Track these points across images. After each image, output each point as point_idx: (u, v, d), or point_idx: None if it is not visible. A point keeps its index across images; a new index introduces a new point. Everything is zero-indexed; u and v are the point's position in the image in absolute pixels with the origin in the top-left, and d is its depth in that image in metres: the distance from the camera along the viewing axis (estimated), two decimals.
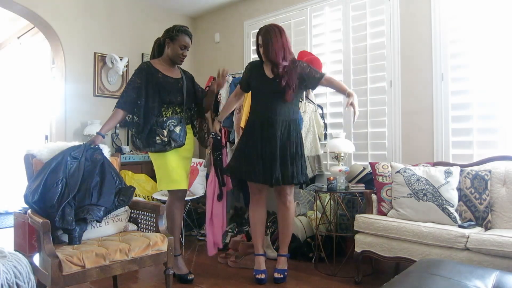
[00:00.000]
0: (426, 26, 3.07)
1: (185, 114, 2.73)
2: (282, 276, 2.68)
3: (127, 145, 4.29)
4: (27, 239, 3.24)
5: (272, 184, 2.65)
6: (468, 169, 2.54)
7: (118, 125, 3.21)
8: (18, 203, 4.03)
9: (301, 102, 3.51)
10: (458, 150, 2.91)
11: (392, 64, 3.24)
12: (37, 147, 2.22)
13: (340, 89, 2.69)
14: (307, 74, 2.65)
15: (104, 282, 2.60)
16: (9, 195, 5.49)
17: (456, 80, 2.95)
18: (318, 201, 3.13)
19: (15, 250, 3.25)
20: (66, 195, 2.01)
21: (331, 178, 2.89)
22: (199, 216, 4.16)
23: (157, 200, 3.62)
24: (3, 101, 5.92)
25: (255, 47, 2.75)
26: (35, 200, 1.97)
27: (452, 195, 2.41)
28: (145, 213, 2.36)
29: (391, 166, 2.72)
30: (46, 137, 5.00)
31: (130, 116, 2.62)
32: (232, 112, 3.72)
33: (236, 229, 3.67)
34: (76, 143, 2.30)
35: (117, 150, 4.02)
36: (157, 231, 2.24)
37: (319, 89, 3.68)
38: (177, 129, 2.59)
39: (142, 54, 4.51)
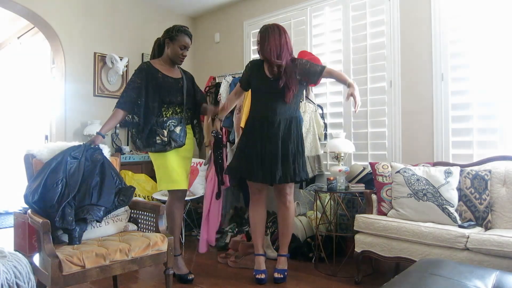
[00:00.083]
0: (426, 26, 3.07)
1: (185, 114, 2.73)
2: (282, 276, 2.68)
3: (127, 145, 4.30)
4: (27, 239, 3.24)
5: (272, 183, 2.65)
6: (468, 169, 2.54)
7: (118, 125, 3.20)
8: (18, 203, 4.03)
9: (301, 102, 3.51)
10: (458, 150, 2.91)
11: (392, 64, 3.24)
12: (37, 147, 2.22)
13: (341, 79, 2.64)
14: (308, 70, 2.64)
15: (104, 282, 2.60)
16: (9, 195, 5.49)
17: (456, 80, 2.95)
18: (318, 201, 3.13)
19: (15, 250, 3.25)
20: (66, 195, 2.01)
21: (331, 178, 2.89)
22: (199, 216, 4.15)
23: (157, 200, 3.62)
24: (3, 101, 5.91)
25: (255, 47, 2.75)
26: (35, 200, 1.97)
27: (452, 195, 2.41)
28: (145, 213, 2.36)
29: (391, 166, 2.72)
30: (46, 137, 5.01)
31: (130, 116, 2.62)
32: (232, 112, 3.73)
33: (236, 229, 3.67)
34: (76, 143, 2.30)
35: (117, 150, 4.02)
36: (157, 231, 2.24)
37: (319, 89, 3.71)
38: (177, 129, 2.60)
39: (142, 54, 4.51)
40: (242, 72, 2.89)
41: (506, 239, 1.99)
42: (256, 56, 2.77)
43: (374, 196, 2.73)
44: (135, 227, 2.35)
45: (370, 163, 2.87)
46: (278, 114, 2.62)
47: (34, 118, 5.49)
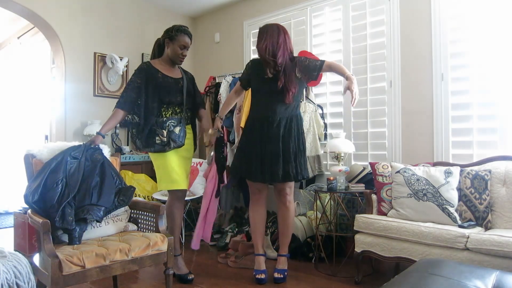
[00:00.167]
0: (426, 26, 3.07)
1: (185, 114, 2.73)
2: (282, 276, 2.68)
3: (127, 145, 4.30)
4: (27, 239, 3.24)
5: (272, 183, 2.65)
6: (468, 169, 2.54)
7: (118, 125, 3.20)
8: (18, 203, 4.03)
9: (301, 102, 3.51)
10: (458, 150, 2.91)
11: (392, 64, 3.24)
12: (37, 147, 2.22)
13: (340, 72, 2.58)
14: (307, 66, 2.62)
15: (104, 282, 2.61)
16: (9, 195, 5.49)
17: (456, 80, 2.95)
18: (318, 201, 3.13)
19: (15, 250, 3.26)
20: (66, 195, 2.01)
21: (331, 178, 2.89)
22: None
23: (157, 200, 3.62)
24: (3, 101, 5.91)
25: (255, 47, 2.75)
26: (35, 200, 1.97)
27: (452, 195, 2.41)
28: (145, 213, 2.36)
29: (391, 166, 2.72)
30: (46, 137, 5.01)
31: (130, 116, 2.62)
32: (232, 112, 3.73)
33: (236, 229, 3.67)
34: (76, 143, 2.30)
35: (117, 150, 4.02)
36: (157, 231, 2.24)
37: (319, 89, 3.71)
38: (177, 130, 2.60)
39: (142, 54, 4.51)
40: (243, 71, 2.89)
41: (506, 239, 1.99)
42: (256, 55, 2.77)
43: (374, 196, 2.73)
44: (135, 227, 2.35)
45: (370, 163, 2.87)
46: (278, 113, 2.62)
47: (34, 118, 5.49)
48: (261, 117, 2.66)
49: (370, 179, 2.95)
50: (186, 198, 3.30)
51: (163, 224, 2.27)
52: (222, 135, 2.95)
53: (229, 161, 3.74)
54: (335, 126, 3.60)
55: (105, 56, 4.17)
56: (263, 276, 2.67)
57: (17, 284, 1.50)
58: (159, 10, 4.71)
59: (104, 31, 4.22)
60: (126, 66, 4.29)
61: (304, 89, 3.55)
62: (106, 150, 2.37)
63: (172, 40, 2.65)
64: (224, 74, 4.22)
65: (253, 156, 2.63)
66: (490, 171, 2.45)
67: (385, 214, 2.62)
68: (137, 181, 3.87)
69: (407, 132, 3.16)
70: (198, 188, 3.87)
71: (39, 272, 1.86)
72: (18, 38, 5.54)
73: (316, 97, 3.70)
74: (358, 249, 2.59)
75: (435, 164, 2.74)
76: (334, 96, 3.60)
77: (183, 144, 2.64)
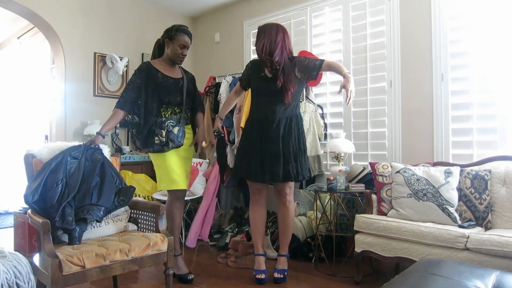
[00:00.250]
0: (426, 26, 3.07)
1: (185, 115, 2.72)
2: (282, 276, 2.68)
3: (127, 145, 4.29)
4: (27, 239, 3.24)
5: (272, 183, 2.65)
6: (468, 169, 2.54)
7: (118, 125, 3.20)
8: (18, 203, 4.04)
9: (301, 102, 3.52)
10: (458, 150, 2.91)
11: (392, 64, 3.24)
12: (37, 147, 2.22)
13: (338, 71, 2.56)
14: (307, 65, 2.61)
15: (104, 282, 2.60)
16: (9, 195, 5.49)
17: (456, 80, 2.95)
18: (318, 201, 3.13)
19: (15, 250, 3.25)
20: (66, 195, 2.01)
21: (331, 178, 2.89)
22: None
23: (157, 200, 3.62)
24: (3, 101, 5.91)
25: (255, 47, 2.75)
26: (35, 200, 1.97)
27: (452, 195, 2.41)
28: (145, 213, 2.36)
29: (391, 166, 2.72)
30: (46, 137, 5.01)
31: (130, 116, 2.62)
32: (232, 112, 3.73)
33: (236, 229, 3.67)
34: (76, 143, 2.30)
35: (117, 150, 4.02)
36: (157, 231, 2.24)
37: (319, 89, 3.71)
38: (175, 130, 2.60)
39: (142, 54, 4.51)
40: (243, 72, 2.89)
41: (506, 239, 1.99)
42: (256, 56, 2.77)
43: (374, 196, 2.73)
44: (135, 227, 2.35)
45: (370, 163, 2.87)
46: (277, 113, 2.61)
47: (34, 118, 5.49)
48: (261, 117, 2.66)
49: (370, 179, 2.95)
50: (186, 198, 3.30)
51: (163, 224, 2.27)
52: (222, 135, 2.95)
53: (229, 161, 3.75)
54: (335, 126, 3.60)
55: (105, 56, 4.17)
56: (263, 276, 2.67)
57: (17, 284, 1.50)
58: (159, 10, 4.71)
59: (104, 31, 4.22)
60: (126, 66, 4.29)
61: (304, 89, 3.56)
62: (106, 150, 2.38)
63: (172, 39, 2.65)
64: (224, 74, 4.22)
65: (253, 156, 2.63)
66: (490, 171, 2.45)
67: (385, 214, 2.62)
68: (137, 181, 3.87)
69: (407, 132, 3.16)
70: (198, 188, 3.87)
71: (39, 272, 1.86)
72: (18, 38, 5.55)
73: (316, 97, 3.70)
74: (358, 249, 2.59)
75: (435, 164, 2.74)
76: (334, 96, 3.60)
77: (182, 144, 2.64)
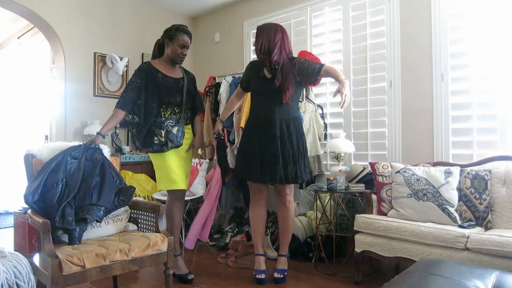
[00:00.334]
0: (426, 26, 3.07)
1: (184, 115, 2.72)
2: (282, 276, 2.68)
3: (127, 145, 4.29)
4: (27, 239, 3.24)
5: (271, 183, 2.65)
6: (468, 169, 2.54)
7: (118, 125, 3.20)
8: (18, 203, 4.04)
9: (301, 102, 3.52)
10: (458, 150, 2.91)
11: (392, 64, 3.24)
12: (37, 147, 2.22)
13: (334, 76, 2.52)
14: (306, 69, 2.60)
15: (104, 282, 2.60)
16: (9, 195, 5.49)
17: (456, 80, 2.95)
18: (318, 201, 3.13)
19: (15, 250, 3.26)
20: (66, 195, 2.01)
21: (331, 178, 2.89)
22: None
23: (157, 200, 3.62)
24: (3, 101, 5.92)
25: (254, 47, 2.75)
26: (35, 200, 1.97)
27: (452, 195, 2.41)
28: (145, 213, 2.36)
29: (391, 166, 2.72)
30: (46, 137, 5.01)
31: (131, 116, 2.62)
32: (232, 112, 3.73)
33: (236, 229, 3.67)
34: (76, 143, 2.30)
35: (117, 150, 4.02)
36: (157, 231, 2.24)
37: (319, 89, 3.71)
38: (175, 130, 2.60)
39: (142, 54, 4.51)
40: (242, 72, 2.89)
41: (506, 239, 1.99)
42: (256, 56, 2.77)
43: (374, 196, 2.73)
44: (135, 227, 2.35)
45: (370, 163, 2.87)
46: (277, 114, 2.61)
47: (34, 118, 5.49)
48: (260, 117, 2.66)
49: (370, 179, 2.95)
50: (186, 198, 3.30)
51: (163, 224, 2.27)
52: (222, 138, 2.96)
53: (229, 162, 3.75)
54: (335, 126, 3.60)
55: (105, 56, 4.17)
56: (263, 276, 2.67)
57: (17, 284, 1.50)
58: (159, 10, 4.71)
59: (104, 31, 4.22)
60: (126, 66, 4.29)
61: (304, 89, 3.56)
62: (106, 150, 2.38)
63: (172, 39, 2.65)
64: (224, 74, 4.22)
65: (253, 157, 2.63)
66: (490, 171, 2.45)
67: (385, 214, 2.62)
68: (137, 181, 3.87)
69: (407, 132, 3.16)
70: (198, 188, 3.87)
71: (39, 272, 1.87)
72: (18, 38, 5.54)
73: (316, 97, 3.70)
74: (358, 249, 2.59)
75: (435, 164, 2.74)
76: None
77: (181, 144, 2.64)
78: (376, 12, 3.36)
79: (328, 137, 3.59)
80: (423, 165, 2.71)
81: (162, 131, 2.57)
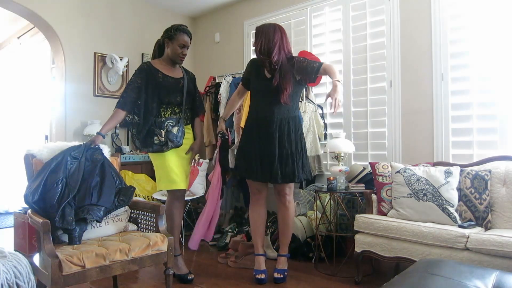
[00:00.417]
0: (426, 26, 3.07)
1: (184, 115, 2.72)
2: (282, 276, 2.68)
3: (127, 145, 4.30)
4: (27, 239, 3.24)
5: (271, 181, 2.65)
6: (468, 169, 2.54)
7: (118, 125, 3.20)
8: (18, 203, 4.04)
9: (301, 102, 3.52)
10: (458, 150, 2.91)
11: (392, 64, 3.24)
12: (37, 147, 2.22)
13: (330, 76, 2.50)
14: (305, 68, 2.59)
15: (104, 282, 2.60)
16: (9, 195, 5.49)
17: (456, 80, 2.95)
18: (318, 201, 3.13)
19: (15, 250, 3.26)
20: (66, 195, 2.01)
21: (331, 178, 2.89)
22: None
23: (157, 200, 3.62)
24: (3, 101, 5.92)
25: (254, 47, 2.75)
26: (35, 200, 1.97)
27: (452, 195, 2.41)
28: (145, 213, 2.36)
29: (391, 166, 2.72)
30: (46, 137, 5.01)
31: (131, 116, 2.62)
32: (232, 113, 3.73)
33: (236, 229, 3.67)
34: (76, 143, 2.30)
35: (117, 150, 4.02)
36: (157, 231, 2.24)
37: (319, 89, 3.71)
38: (175, 130, 2.60)
39: (142, 54, 4.51)
40: (242, 72, 2.89)
41: (506, 239, 1.99)
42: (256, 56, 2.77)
43: (374, 196, 2.73)
44: (135, 227, 2.35)
45: (370, 163, 2.87)
46: (276, 114, 2.61)
47: (34, 118, 5.49)
48: (260, 117, 2.66)
49: (370, 179, 2.95)
50: (186, 198, 3.30)
51: (163, 224, 2.27)
52: (226, 137, 2.96)
53: (230, 162, 3.74)
54: (335, 126, 3.60)
55: (105, 56, 4.17)
56: (263, 276, 2.67)
57: (17, 284, 1.50)
58: (159, 10, 4.71)
59: (104, 31, 4.22)
60: (126, 66, 4.29)
61: (304, 89, 3.55)
62: (106, 150, 2.37)
63: (172, 39, 2.65)
64: (224, 74, 4.22)
65: (253, 156, 2.64)
66: (490, 171, 2.45)
67: (385, 214, 2.62)
68: (137, 181, 3.87)
69: (407, 132, 3.16)
70: (198, 188, 3.87)
71: (39, 272, 1.87)
72: (18, 38, 5.54)
73: (316, 97, 3.70)
74: (358, 249, 2.59)
75: (435, 164, 2.74)
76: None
77: (181, 144, 2.64)
78: (376, 12, 3.36)
79: (328, 137, 3.59)
80: (423, 165, 2.71)
81: (162, 131, 2.57)
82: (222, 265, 3.09)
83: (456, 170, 2.50)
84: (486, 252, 2.04)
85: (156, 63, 2.70)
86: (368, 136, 3.37)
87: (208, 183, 3.98)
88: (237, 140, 3.66)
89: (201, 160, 4.10)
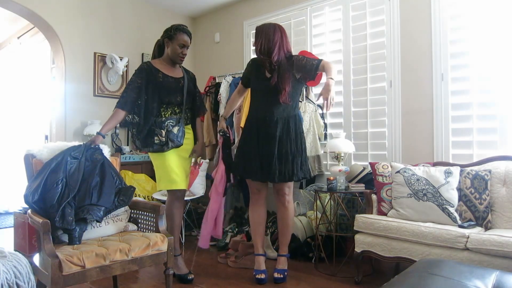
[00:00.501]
0: (426, 26, 3.07)
1: (185, 115, 2.72)
2: (282, 276, 2.68)
3: (127, 145, 4.30)
4: (27, 239, 3.24)
5: (269, 180, 2.65)
6: (468, 169, 2.54)
7: (118, 125, 3.21)
8: (18, 203, 4.04)
9: (301, 102, 3.52)
10: (458, 150, 2.91)
11: (392, 64, 3.24)
12: (37, 147, 2.22)
13: (327, 73, 2.49)
14: (304, 65, 2.59)
15: (104, 282, 2.61)
16: (9, 195, 5.49)
17: (456, 80, 2.95)
18: (318, 201, 3.13)
19: (15, 250, 3.26)
20: (66, 195, 2.01)
21: (331, 178, 2.89)
22: (199, 216, 4.16)
23: (157, 200, 3.62)
24: (3, 101, 5.92)
25: (254, 47, 2.75)
26: (35, 200, 1.97)
27: (452, 195, 2.41)
28: (145, 213, 2.36)
29: (391, 166, 2.72)
30: (46, 137, 5.01)
31: (131, 116, 2.62)
32: (232, 112, 3.73)
33: (236, 229, 3.67)
34: (76, 143, 2.30)
35: (117, 150, 4.02)
36: (157, 231, 2.24)
37: (319, 89, 3.70)
38: (175, 130, 2.60)
39: (142, 54, 4.51)
40: (242, 72, 2.89)
41: (506, 239, 1.99)
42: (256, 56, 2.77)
43: (374, 196, 2.73)
44: (135, 227, 2.35)
45: (370, 163, 2.87)
46: (275, 113, 2.61)
47: (34, 118, 5.49)
48: (259, 117, 2.67)
49: (370, 179, 2.95)
50: (186, 198, 3.30)
51: (163, 224, 2.27)
52: (228, 135, 2.96)
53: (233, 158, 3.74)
54: (335, 126, 3.60)
55: (105, 56, 4.17)
56: (263, 276, 2.67)
57: (17, 284, 1.50)
58: (159, 10, 4.71)
59: (104, 31, 4.22)
60: (126, 66, 4.29)
61: (304, 89, 3.56)
62: (106, 150, 2.37)
63: (171, 39, 2.65)
64: (224, 74, 4.22)
65: (252, 156, 2.64)
66: (490, 171, 2.45)
67: (385, 214, 2.62)
68: (137, 181, 3.87)
69: (407, 132, 3.16)
70: (198, 188, 3.87)
71: (39, 272, 1.87)
72: (18, 38, 5.55)
73: (316, 97, 3.70)
74: (358, 249, 2.59)
75: (435, 164, 2.74)
76: (334, 96, 3.58)
77: (182, 144, 2.64)
78: (376, 12, 3.36)
79: (328, 137, 3.59)
80: (423, 165, 2.71)
81: (162, 130, 2.57)
82: (222, 265, 3.09)
83: (456, 170, 2.50)
84: (486, 252, 2.04)
85: (156, 63, 2.70)
86: (368, 136, 3.37)
87: (208, 183, 3.98)
88: (237, 140, 3.66)
89: (201, 160, 4.10)
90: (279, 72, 2.57)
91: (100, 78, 4.17)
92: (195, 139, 2.86)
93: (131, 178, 3.85)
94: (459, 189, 2.47)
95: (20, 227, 3.36)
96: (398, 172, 2.62)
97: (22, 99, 5.70)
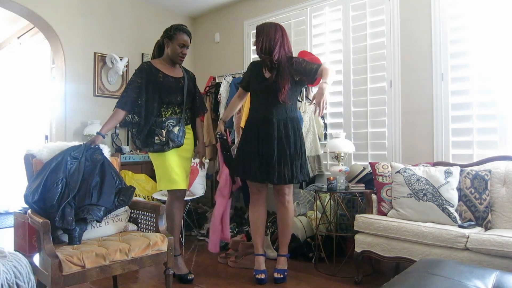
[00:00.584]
0: (426, 26, 3.07)
1: (185, 115, 2.72)
2: (282, 276, 2.68)
3: (127, 145, 4.30)
4: (27, 239, 3.24)
5: (268, 181, 2.65)
6: (468, 169, 2.54)
7: (118, 125, 3.21)
8: (18, 203, 4.04)
9: (301, 102, 3.52)
10: (458, 150, 2.91)
11: (392, 64, 3.24)
12: (37, 147, 2.22)
13: (322, 78, 2.49)
14: (304, 69, 2.59)
15: (104, 282, 2.60)
16: (9, 195, 5.49)
17: (456, 80, 2.95)
18: (318, 201, 3.13)
19: (15, 250, 3.26)
20: (66, 195, 2.01)
21: (331, 178, 2.89)
22: (199, 216, 4.16)
23: (157, 200, 3.62)
24: (3, 101, 5.92)
25: (254, 46, 2.75)
26: (35, 200, 1.97)
27: (452, 195, 2.41)
28: (145, 213, 2.36)
29: (391, 166, 2.72)
30: (46, 137, 5.01)
31: (131, 116, 2.62)
32: None
33: (236, 229, 3.67)
34: (76, 143, 2.30)
35: (117, 150, 4.02)
36: (157, 231, 2.24)
37: None
38: (176, 129, 2.60)
39: (142, 54, 4.51)
40: (242, 73, 2.89)
41: (506, 239, 1.99)
42: (256, 56, 2.77)
43: (374, 196, 2.73)
44: (135, 227, 2.35)
45: (370, 163, 2.87)
46: (275, 114, 2.61)
47: (34, 118, 5.49)
48: (259, 117, 2.67)
49: (370, 179, 2.95)
50: (186, 198, 3.30)
51: (163, 224, 2.27)
52: (225, 138, 2.96)
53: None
54: (335, 126, 3.60)
55: (105, 56, 4.17)
56: (263, 276, 2.67)
57: (17, 284, 1.50)
58: (159, 10, 4.71)
59: (104, 31, 4.22)
60: (126, 66, 4.29)
61: (304, 89, 3.56)
62: (106, 150, 2.37)
63: (171, 39, 2.65)
64: (224, 74, 4.22)
65: (252, 156, 2.64)
66: (490, 171, 2.45)
67: (385, 214, 2.62)
68: (137, 181, 3.87)
69: (407, 132, 3.16)
70: (198, 188, 3.87)
71: (39, 272, 1.87)
72: (18, 38, 5.55)
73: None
74: (358, 249, 2.59)
75: (435, 164, 2.74)
76: (334, 96, 3.60)
77: (182, 144, 2.64)
78: (376, 12, 3.36)
79: (328, 137, 3.59)
80: (423, 165, 2.71)
81: (163, 130, 2.57)
82: (222, 265, 3.09)
83: (456, 170, 2.50)
84: (486, 252, 2.04)
85: (156, 63, 2.70)
86: (368, 136, 3.37)
87: (208, 183, 3.98)
88: (237, 140, 3.66)
89: (206, 160, 4.10)
90: (279, 71, 2.57)
91: (100, 78, 4.17)
92: (195, 139, 2.87)
93: (131, 178, 3.85)
94: (459, 189, 2.47)
95: (20, 227, 3.36)
96: (398, 172, 2.62)
97: (22, 99, 5.70)
